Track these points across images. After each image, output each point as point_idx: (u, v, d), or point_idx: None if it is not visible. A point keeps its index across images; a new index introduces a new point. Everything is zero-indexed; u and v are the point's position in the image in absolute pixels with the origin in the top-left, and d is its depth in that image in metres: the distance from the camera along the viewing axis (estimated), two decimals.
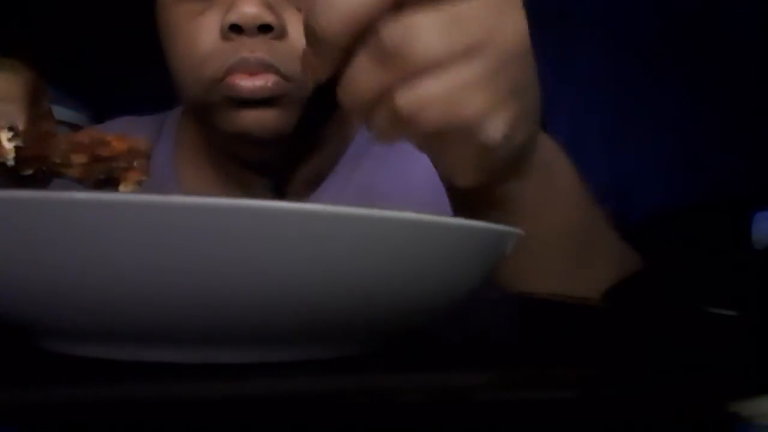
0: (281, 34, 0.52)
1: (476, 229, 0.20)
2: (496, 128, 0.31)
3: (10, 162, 0.34)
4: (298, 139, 0.53)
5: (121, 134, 0.36)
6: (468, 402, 0.17)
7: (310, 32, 0.29)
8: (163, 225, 0.16)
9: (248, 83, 0.51)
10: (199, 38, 0.53)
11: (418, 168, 0.59)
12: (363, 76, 0.29)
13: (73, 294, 0.17)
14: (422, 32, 0.28)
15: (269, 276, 0.17)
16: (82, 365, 0.19)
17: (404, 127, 0.30)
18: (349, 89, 0.30)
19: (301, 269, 0.17)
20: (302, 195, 0.61)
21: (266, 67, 0.51)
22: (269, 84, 0.52)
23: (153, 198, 0.16)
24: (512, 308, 0.39)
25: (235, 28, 0.51)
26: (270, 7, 0.51)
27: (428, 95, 0.29)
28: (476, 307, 0.33)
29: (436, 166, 0.38)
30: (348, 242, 0.18)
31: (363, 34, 0.29)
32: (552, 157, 0.41)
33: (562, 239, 0.42)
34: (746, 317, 0.33)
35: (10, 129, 0.35)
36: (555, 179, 0.42)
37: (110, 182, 0.36)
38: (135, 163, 0.36)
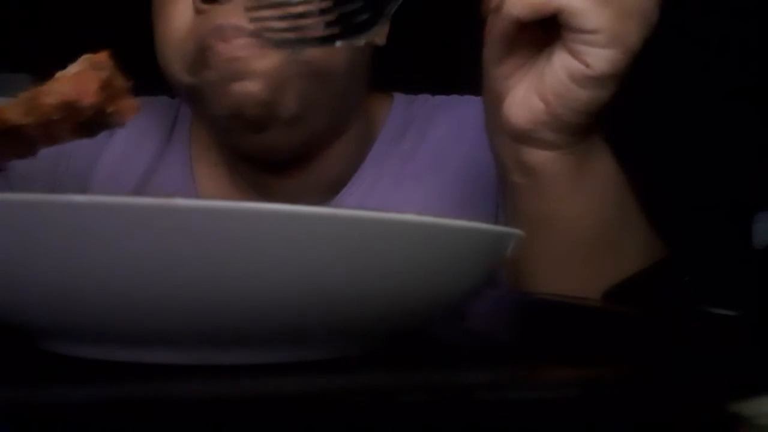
0: None
1: (477, 231, 0.20)
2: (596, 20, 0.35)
3: None
4: (310, 136, 0.51)
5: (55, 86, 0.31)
6: (468, 402, 0.17)
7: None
8: (162, 227, 0.16)
9: (226, 48, 0.47)
10: (176, 15, 0.50)
11: (444, 175, 0.57)
12: None
13: (72, 295, 0.17)
14: None
15: (270, 277, 0.17)
16: (82, 365, 0.19)
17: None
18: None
19: (301, 271, 0.17)
20: (323, 199, 0.57)
21: (242, 33, 0.47)
22: (250, 49, 0.47)
23: (152, 201, 0.16)
24: (512, 308, 0.39)
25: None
26: None
27: None
28: (476, 307, 0.33)
29: (503, 105, 0.40)
30: (348, 243, 0.18)
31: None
32: (594, 141, 0.42)
33: (591, 224, 0.42)
34: (746, 317, 0.33)
35: None
36: (594, 163, 0.42)
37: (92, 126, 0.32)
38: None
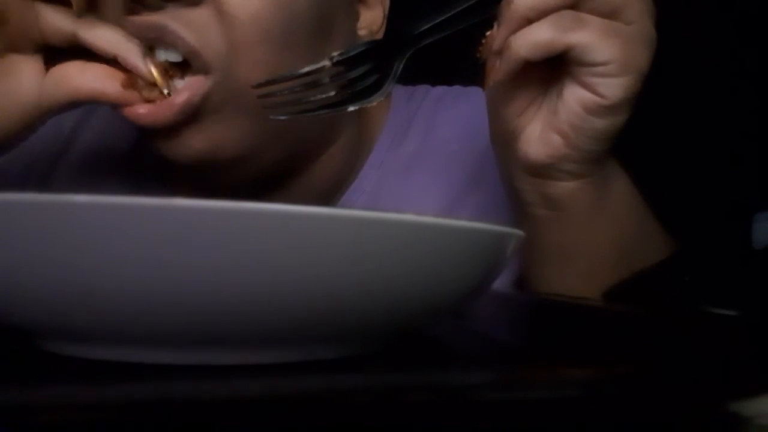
0: (194, 0, 0.40)
1: (477, 231, 0.20)
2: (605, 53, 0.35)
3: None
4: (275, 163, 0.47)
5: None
6: (468, 402, 0.17)
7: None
8: (163, 227, 0.16)
9: (144, 110, 0.40)
10: (104, 16, 0.41)
11: (457, 180, 0.52)
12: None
13: (73, 295, 0.17)
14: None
15: (268, 278, 0.17)
16: (82, 365, 0.19)
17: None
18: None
19: (300, 271, 0.17)
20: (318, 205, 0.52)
21: (161, 31, 0.40)
22: (178, 103, 0.41)
23: (153, 200, 0.16)
24: (512, 308, 0.39)
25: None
26: None
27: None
28: (476, 307, 0.33)
29: (512, 147, 0.40)
30: (348, 244, 0.18)
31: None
32: (611, 164, 0.42)
33: (612, 248, 0.43)
34: (746, 317, 0.33)
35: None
36: (612, 186, 0.42)
37: None
38: None
